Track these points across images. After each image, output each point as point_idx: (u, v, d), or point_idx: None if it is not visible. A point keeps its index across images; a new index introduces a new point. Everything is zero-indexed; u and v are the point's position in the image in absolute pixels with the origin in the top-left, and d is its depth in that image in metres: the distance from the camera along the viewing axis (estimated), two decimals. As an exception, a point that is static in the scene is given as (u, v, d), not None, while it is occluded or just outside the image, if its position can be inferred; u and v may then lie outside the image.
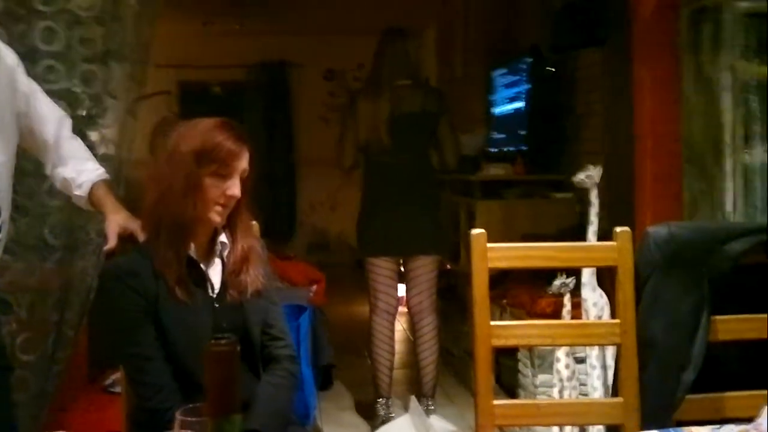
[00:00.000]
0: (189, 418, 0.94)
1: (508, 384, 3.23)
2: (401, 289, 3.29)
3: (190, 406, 0.96)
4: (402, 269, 3.22)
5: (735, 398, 1.54)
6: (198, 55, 7.29)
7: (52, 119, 1.72)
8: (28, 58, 2.15)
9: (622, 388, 1.54)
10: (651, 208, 2.40)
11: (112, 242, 1.60)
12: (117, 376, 2.35)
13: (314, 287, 3.40)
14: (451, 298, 4.33)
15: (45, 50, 2.19)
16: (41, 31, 2.18)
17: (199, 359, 0.97)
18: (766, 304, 1.57)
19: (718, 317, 1.53)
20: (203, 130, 1.51)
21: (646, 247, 1.58)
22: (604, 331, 1.62)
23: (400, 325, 4.47)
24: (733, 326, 1.55)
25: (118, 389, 2.17)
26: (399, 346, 3.58)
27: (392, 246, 3.10)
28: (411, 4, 6.04)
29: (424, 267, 3.13)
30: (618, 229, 1.58)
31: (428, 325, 3.15)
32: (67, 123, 1.76)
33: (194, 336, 1.47)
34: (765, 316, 1.55)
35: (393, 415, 3.12)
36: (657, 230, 1.58)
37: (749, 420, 1.24)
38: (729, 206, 2.14)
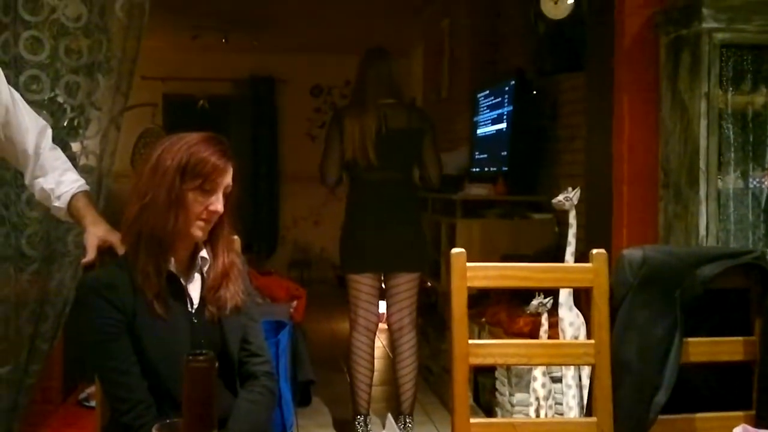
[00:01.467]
0: (165, 434, 0.94)
1: (486, 403, 3.24)
2: (382, 306, 3.30)
3: (167, 421, 0.95)
4: (383, 286, 3.23)
5: (706, 419, 1.56)
6: (185, 68, 7.31)
7: (32, 129, 1.71)
8: (12, 67, 2.16)
9: (596, 408, 1.56)
10: (627, 230, 2.44)
11: (90, 255, 1.60)
12: (92, 390, 2.33)
13: (295, 303, 3.40)
14: (431, 315, 4.35)
15: (30, 60, 2.19)
16: (26, 40, 2.18)
17: (177, 375, 0.97)
18: (737, 327, 1.61)
19: (690, 339, 1.55)
20: (189, 145, 1.50)
21: (620, 270, 1.60)
22: (578, 352, 1.64)
23: (380, 342, 4.47)
24: (705, 349, 1.58)
25: (93, 403, 2.15)
26: (378, 363, 3.58)
27: (374, 263, 3.11)
28: (398, 24, 6.12)
29: (405, 284, 3.14)
30: (594, 251, 1.60)
31: (408, 342, 3.16)
32: (48, 133, 1.76)
33: (172, 351, 1.46)
34: (736, 339, 1.59)
35: (371, 432, 3.11)
36: (631, 253, 1.60)
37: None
38: (702, 230, 2.17)
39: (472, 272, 1.58)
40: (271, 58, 7.52)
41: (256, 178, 7.73)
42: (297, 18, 6.07)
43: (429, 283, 4.19)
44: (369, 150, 3.01)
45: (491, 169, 4.18)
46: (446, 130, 5.17)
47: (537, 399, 2.40)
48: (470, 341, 1.57)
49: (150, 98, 6.75)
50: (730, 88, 2.26)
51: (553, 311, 2.40)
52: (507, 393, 2.87)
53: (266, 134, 7.82)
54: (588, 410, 1.62)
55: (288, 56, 7.46)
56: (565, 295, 2.35)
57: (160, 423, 0.94)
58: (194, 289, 1.57)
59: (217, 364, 0.91)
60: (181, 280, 1.55)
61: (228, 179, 1.53)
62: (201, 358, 0.88)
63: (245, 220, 7.49)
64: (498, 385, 3.00)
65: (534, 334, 2.66)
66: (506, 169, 3.94)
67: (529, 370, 2.53)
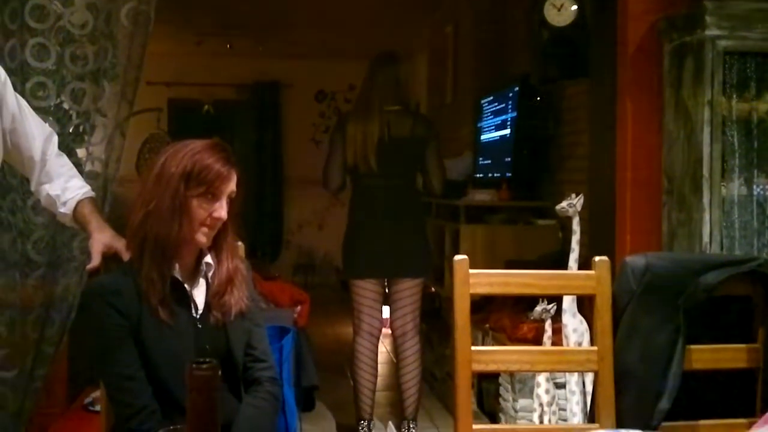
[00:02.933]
0: (168, 440, 0.94)
1: (490, 409, 3.24)
2: (385, 311, 3.31)
3: (171, 428, 0.96)
4: (387, 291, 3.23)
5: (709, 427, 1.57)
6: (190, 74, 7.34)
7: (38, 136, 1.73)
8: (19, 74, 2.17)
9: (599, 415, 1.56)
10: (630, 237, 2.44)
11: (95, 261, 1.61)
12: (97, 394, 2.34)
13: (299, 308, 3.40)
14: (435, 320, 4.35)
15: (36, 67, 2.20)
16: (33, 47, 2.19)
17: (181, 380, 0.97)
18: (740, 334, 1.61)
19: (693, 347, 1.55)
20: (193, 152, 1.51)
21: (623, 277, 1.61)
22: (581, 358, 1.64)
23: (384, 347, 4.47)
24: (707, 356, 1.58)
25: (98, 408, 2.16)
26: (382, 368, 3.58)
27: (378, 268, 3.12)
28: (403, 30, 6.13)
29: (409, 290, 3.15)
30: (597, 258, 1.61)
31: (411, 347, 3.16)
32: (54, 140, 1.77)
33: (176, 357, 1.46)
34: (739, 346, 1.59)
35: (374, 437, 3.11)
36: (634, 260, 1.61)
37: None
38: (706, 237, 2.18)
39: (475, 279, 1.58)
40: (276, 64, 7.54)
41: (260, 183, 7.74)
42: (301, 23, 6.08)
43: (433, 289, 4.19)
44: (370, 157, 3.02)
45: (495, 175, 4.18)
46: (450, 136, 5.17)
47: (541, 405, 2.40)
48: (473, 348, 1.57)
49: (155, 103, 6.80)
50: (734, 95, 2.27)
51: (557, 317, 2.40)
52: (510, 399, 2.87)
53: (271, 139, 7.84)
54: (591, 417, 1.62)
55: (292, 61, 7.49)
56: (568, 302, 2.35)
57: (165, 429, 0.95)
58: (199, 295, 1.58)
59: (220, 372, 0.91)
60: (186, 285, 1.56)
61: (232, 186, 1.54)
62: (204, 366, 0.89)
63: (249, 224, 7.52)
64: (501, 391, 2.99)
65: (538, 340, 2.66)
66: (510, 175, 3.94)
67: (533, 376, 2.53)
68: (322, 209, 7.50)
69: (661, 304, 1.50)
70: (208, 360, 0.90)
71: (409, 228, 3.13)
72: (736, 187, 2.26)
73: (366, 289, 3.13)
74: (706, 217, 2.21)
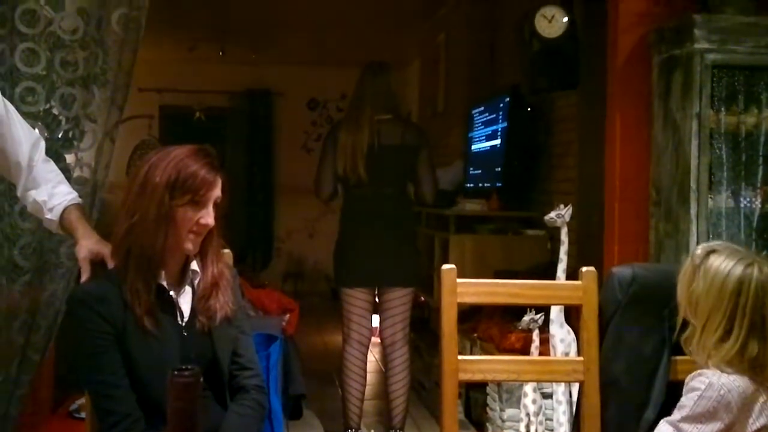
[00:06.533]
0: (150, 447, 0.94)
1: (478, 418, 3.24)
2: (375, 320, 3.30)
3: (152, 434, 0.96)
4: (377, 300, 3.23)
5: (694, 438, 1.56)
6: (181, 80, 7.32)
7: (25, 141, 1.72)
8: (8, 78, 2.16)
9: (584, 425, 1.56)
10: (618, 248, 2.45)
11: (87, 273, 1.60)
12: (82, 401, 2.32)
13: (287, 316, 3.39)
14: (424, 330, 4.34)
15: (25, 72, 2.19)
16: (22, 52, 2.19)
17: (166, 388, 0.97)
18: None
19: (678, 358, 1.56)
20: (176, 160, 1.49)
21: (610, 287, 1.61)
22: (568, 368, 1.64)
23: (373, 356, 4.46)
24: (693, 367, 1.58)
25: (83, 415, 2.14)
26: (371, 377, 3.57)
27: (368, 277, 3.11)
28: (395, 38, 6.15)
29: (399, 299, 3.14)
30: (584, 269, 1.61)
31: (400, 356, 3.15)
32: (41, 146, 1.76)
33: (161, 364, 1.44)
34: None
35: (362, 446, 3.10)
36: (621, 271, 1.62)
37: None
38: (693, 248, 2.19)
39: (463, 288, 1.59)
40: (268, 71, 7.55)
41: (251, 190, 7.73)
42: (294, 31, 6.10)
43: (422, 298, 4.19)
44: (359, 166, 3.02)
45: (485, 184, 4.20)
46: (441, 145, 5.19)
47: (528, 415, 2.40)
48: (460, 357, 1.57)
49: (146, 110, 6.77)
50: (722, 108, 2.29)
51: (545, 327, 2.41)
52: (498, 408, 2.87)
53: (262, 147, 7.84)
54: (576, 426, 1.62)
55: (285, 69, 7.50)
56: (556, 312, 2.36)
57: (146, 436, 0.95)
58: (185, 302, 1.57)
59: (201, 379, 0.91)
60: (172, 293, 1.55)
61: (217, 191, 1.53)
62: (186, 372, 0.88)
63: (240, 232, 7.50)
64: (489, 400, 2.99)
65: (525, 349, 2.66)
66: (500, 185, 3.95)
67: (520, 386, 2.53)
68: (312, 218, 7.50)
69: (647, 315, 1.51)
70: (190, 367, 0.90)
71: (400, 237, 3.13)
72: (723, 200, 2.27)
73: (356, 297, 3.13)
74: (693, 228, 2.22)
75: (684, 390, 1.41)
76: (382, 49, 5.32)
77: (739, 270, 1.40)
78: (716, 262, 1.42)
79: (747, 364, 1.38)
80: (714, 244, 1.49)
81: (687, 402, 1.37)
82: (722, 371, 1.38)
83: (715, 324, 1.39)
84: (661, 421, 1.42)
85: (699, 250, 1.46)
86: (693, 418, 1.36)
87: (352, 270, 3.11)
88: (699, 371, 1.41)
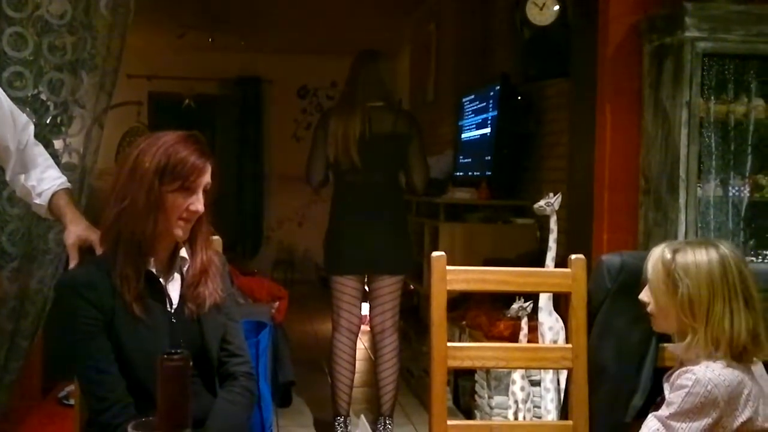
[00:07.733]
0: (140, 432, 0.94)
1: (466, 406, 3.25)
2: (364, 308, 3.31)
3: (142, 420, 0.96)
4: (366, 288, 3.23)
5: (680, 424, 1.58)
6: (171, 67, 7.27)
7: (14, 125, 1.70)
8: (-5, 63, 2.14)
9: (573, 412, 1.58)
10: (608, 236, 2.46)
11: (75, 259, 1.59)
12: (71, 388, 2.32)
13: (277, 304, 3.39)
14: (414, 318, 4.36)
15: (13, 56, 2.17)
16: (10, 36, 2.16)
17: (155, 374, 0.97)
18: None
19: (666, 345, 1.57)
20: (166, 146, 1.48)
21: (599, 275, 1.62)
22: (556, 356, 1.65)
23: (362, 344, 4.48)
24: (680, 354, 1.60)
25: (72, 402, 2.14)
26: (360, 365, 3.58)
27: (358, 265, 3.11)
28: (386, 26, 6.13)
29: (389, 287, 3.15)
30: (573, 256, 1.62)
31: (390, 344, 3.16)
32: (30, 130, 1.75)
33: (150, 351, 1.43)
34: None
35: (351, 433, 3.12)
36: (610, 259, 1.63)
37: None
38: (681, 237, 2.20)
39: (452, 275, 1.59)
40: (258, 59, 7.51)
41: (241, 178, 7.70)
42: (284, 19, 6.06)
43: (412, 286, 4.20)
44: (352, 152, 3.01)
45: (475, 173, 4.20)
46: (431, 134, 5.18)
47: (516, 402, 2.41)
48: (449, 344, 1.58)
49: (136, 96, 6.72)
50: (712, 97, 2.29)
51: (534, 315, 2.42)
52: (486, 396, 2.89)
53: (252, 134, 7.80)
54: (564, 413, 1.64)
55: (275, 57, 7.45)
56: (544, 300, 2.37)
57: (136, 421, 0.95)
58: (174, 289, 1.56)
59: (191, 363, 0.91)
60: (161, 280, 1.55)
61: (207, 178, 1.52)
62: (176, 356, 0.88)
63: (230, 219, 7.48)
64: (477, 388, 3.01)
65: (514, 337, 2.67)
66: (490, 173, 3.96)
67: (509, 374, 2.55)
68: (302, 206, 7.49)
69: (636, 303, 1.52)
70: (179, 351, 0.90)
71: (391, 225, 3.13)
72: (712, 188, 2.29)
73: (346, 285, 3.13)
74: (682, 217, 2.23)
75: (672, 387, 1.42)
76: (373, 37, 5.29)
77: (713, 254, 1.41)
78: (689, 258, 1.42)
79: (742, 347, 1.39)
80: (666, 245, 1.47)
81: (675, 399, 1.38)
82: (728, 364, 1.38)
83: (719, 313, 1.39)
84: (650, 415, 1.43)
85: (667, 255, 1.44)
86: (681, 415, 1.37)
87: (342, 258, 3.11)
88: (686, 368, 1.41)
